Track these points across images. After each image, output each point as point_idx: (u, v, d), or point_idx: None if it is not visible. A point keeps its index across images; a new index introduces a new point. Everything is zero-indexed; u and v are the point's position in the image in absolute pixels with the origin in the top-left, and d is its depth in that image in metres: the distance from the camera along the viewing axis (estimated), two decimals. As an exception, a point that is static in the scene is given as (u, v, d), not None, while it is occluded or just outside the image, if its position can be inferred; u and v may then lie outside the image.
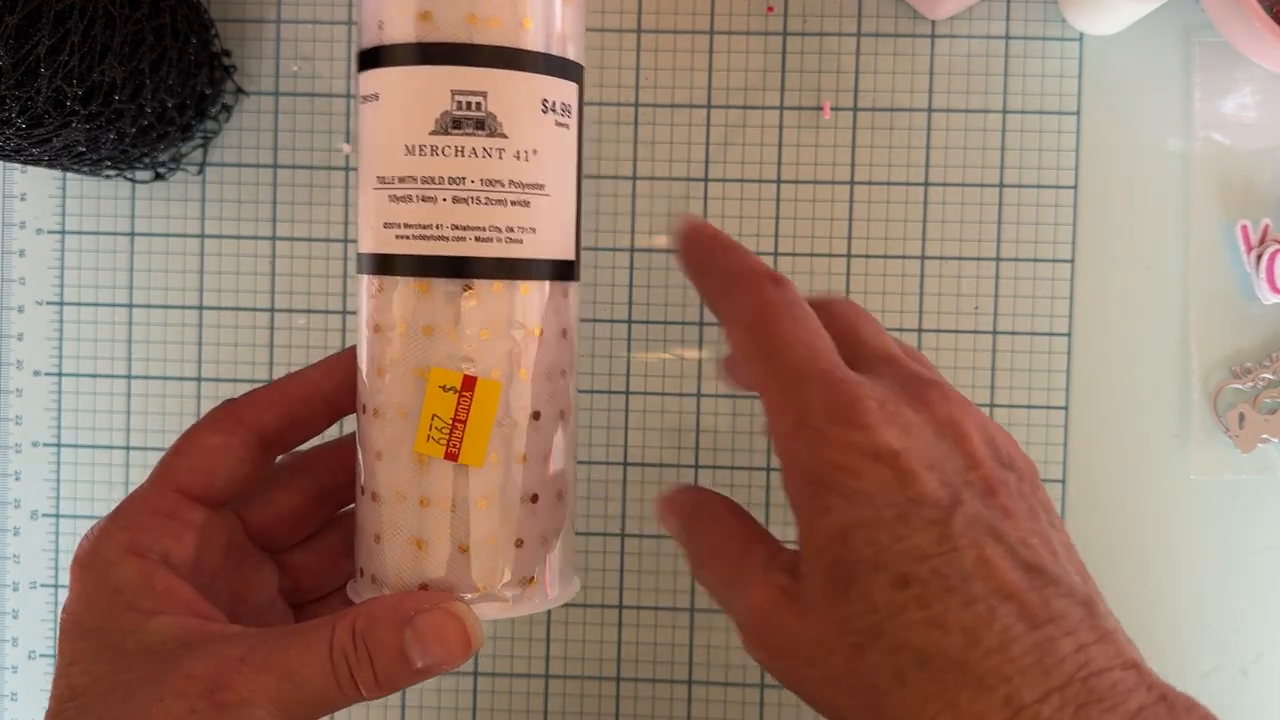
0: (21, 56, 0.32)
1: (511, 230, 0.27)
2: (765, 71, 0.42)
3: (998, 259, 0.42)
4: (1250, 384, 0.42)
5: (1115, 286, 0.42)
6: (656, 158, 0.42)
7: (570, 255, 0.29)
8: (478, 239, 0.27)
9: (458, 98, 0.26)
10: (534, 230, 0.27)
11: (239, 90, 0.43)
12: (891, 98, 0.42)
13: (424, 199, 0.27)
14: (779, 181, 0.42)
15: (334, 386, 0.31)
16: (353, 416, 0.30)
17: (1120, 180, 0.42)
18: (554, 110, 0.28)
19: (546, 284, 0.28)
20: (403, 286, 0.27)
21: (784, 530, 0.26)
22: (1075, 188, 0.42)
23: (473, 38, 0.26)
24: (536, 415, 0.28)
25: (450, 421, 0.27)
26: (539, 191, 0.27)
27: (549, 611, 0.43)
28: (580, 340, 0.43)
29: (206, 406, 0.43)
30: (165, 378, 0.43)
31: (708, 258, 0.30)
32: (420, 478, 0.27)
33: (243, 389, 0.32)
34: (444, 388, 0.27)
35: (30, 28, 0.32)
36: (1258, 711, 0.42)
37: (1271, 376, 0.42)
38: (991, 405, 0.42)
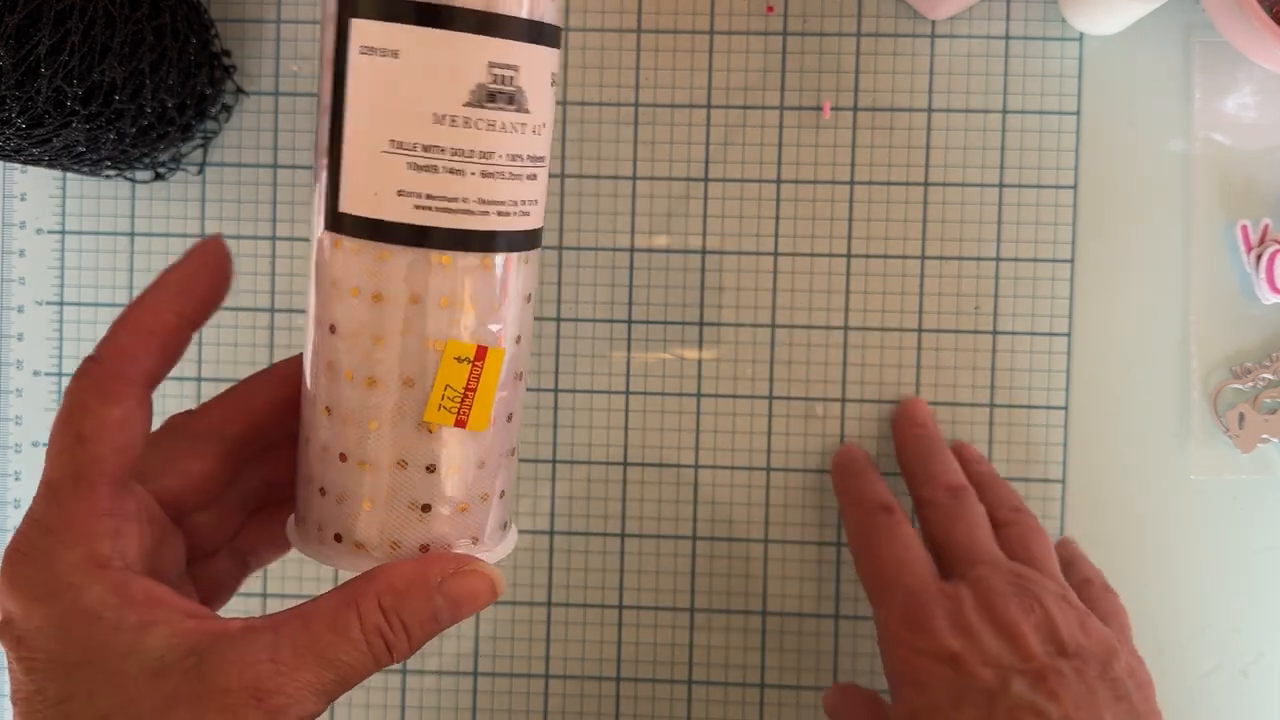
0: (22, 56, 0.32)
1: (524, 204, 0.27)
2: (765, 71, 0.42)
3: (997, 259, 0.42)
4: (1250, 384, 0.42)
5: (1115, 286, 0.42)
6: (656, 158, 0.42)
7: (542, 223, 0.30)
8: (499, 214, 0.27)
9: (494, 70, 0.25)
10: (537, 202, 0.28)
11: (239, 90, 0.43)
12: (891, 98, 0.42)
13: (452, 171, 0.26)
14: (779, 181, 0.42)
15: (193, 305, 0.29)
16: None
17: (1120, 180, 0.42)
18: (555, 84, 0.28)
19: (534, 252, 0.29)
20: (417, 256, 0.26)
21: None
22: (1075, 188, 0.42)
23: (502, 8, 0.26)
24: (519, 376, 0.29)
25: (462, 391, 0.27)
26: (542, 165, 0.28)
27: (549, 611, 0.43)
28: (581, 340, 0.43)
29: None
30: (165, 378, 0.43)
31: (844, 483, 0.40)
32: (428, 445, 0.28)
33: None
34: (459, 359, 0.27)
35: (30, 28, 0.32)
36: (1258, 711, 0.42)
37: (1271, 376, 0.41)
38: (991, 405, 0.42)
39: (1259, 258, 0.41)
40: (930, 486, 0.38)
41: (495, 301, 0.27)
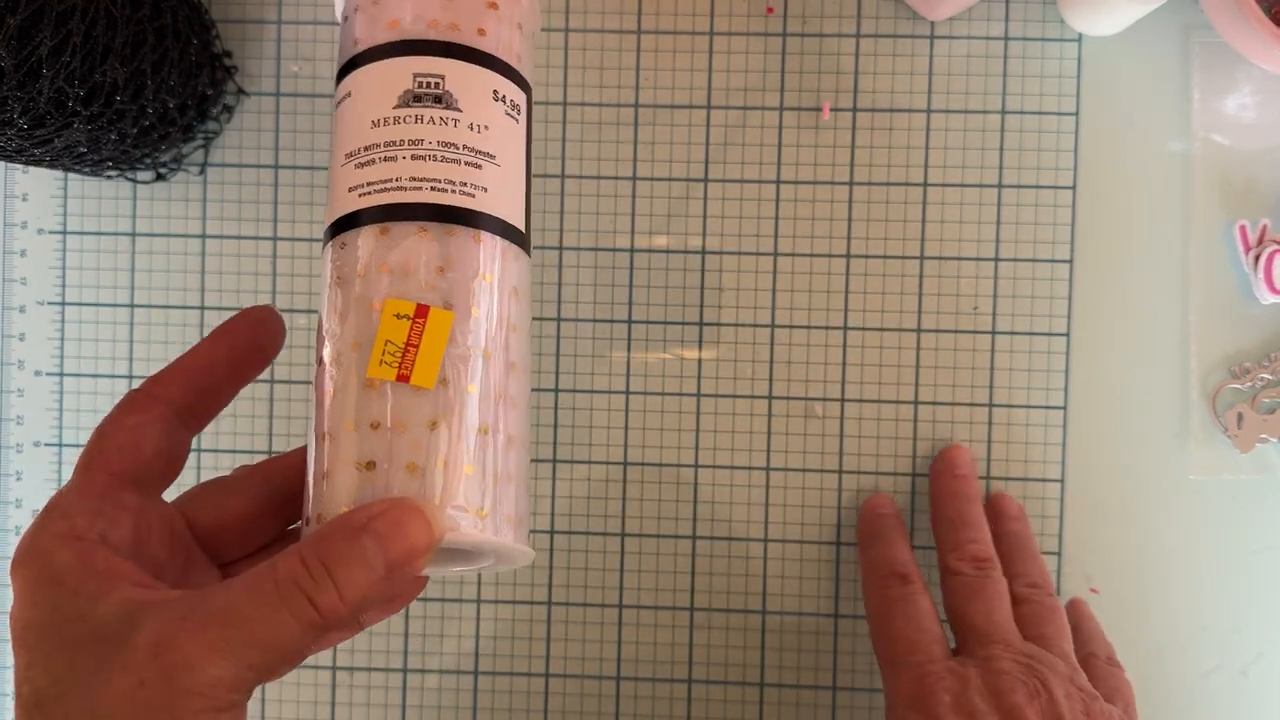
0: (24, 57, 0.32)
1: (465, 185, 0.30)
2: (765, 72, 0.42)
3: (997, 259, 0.42)
4: (1249, 384, 0.42)
5: (1114, 287, 0.42)
6: (656, 158, 0.42)
7: (520, 224, 0.31)
8: (433, 188, 0.29)
9: (419, 78, 0.30)
10: (485, 189, 0.30)
11: (240, 91, 0.43)
12: (891, 98, 0.42)
13: (386, 159, 0.29)
14: (779, 182, 0.42)
15: (226, 351, 0.31)
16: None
17: (1119, 180, 0.42)
18: (504, 102, 0.31)
19: (497, 239, 0.30)
20: (364, 234, 0.29)
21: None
22: (1074, 188, 0.42)
23: (433, 36, 0.30)
24: (487, 354, 0.29)
25: (403, 346, 0.28)
26: (490, 159, 0.30)
27: (549, 611, 0.43)
28: (581, 340, 0.43)
29: (207, 406, 0.43)
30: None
31: (865, 541, 0.41)
32: (371, 402, 0.28)
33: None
34: (398, 315, 0.28)
35: (32, 29, 0.32)
36: (1258, 711, 0.42)
37: (1270, 376, 0.42)
38: (990, 405, 0.42)
39: (1258, 258, 0.41)
40: (956, 555, 0.39)
41: (440, 266, 0.29)
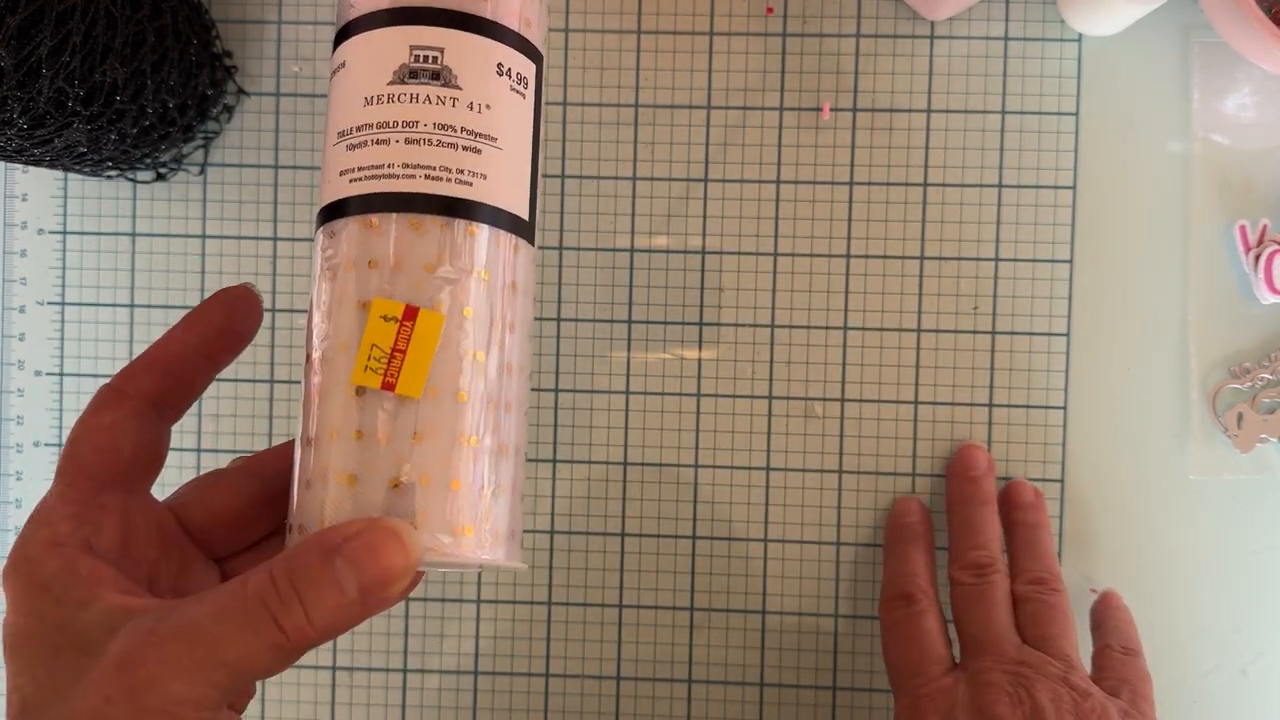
0: (24, 57, 0.32)
1: (462, 172, 0.28)
2: (765, 72, 0.42)
3: (997, 259, 0.42)
4: (1249, 384, 0.42)
5: (1114, 287, 0.42)
6: (656, 158, 0.42)
7: (523, 213, 0.29)
8: (427, 176, 0.27)
9: (415, 51, 0.28)
10: (484, 177, 0.28)
11: (240, 91, 0.43)
12: (891, 98, 0.42)
13: (378, 142, 0.27)
14: (779, 182, 0.42)
15: (198, 338, 0.30)
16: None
17: (1119, 181, 0.42)
18: (509, 76, 0.29)
19: (496, 231, 0.28)
20: (352, 225, 0.28)
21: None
22: (1074, 188, 0.42)
23: (433, 3, 0.28)
24: (480, 358, 0.28)
25: (389, 351, 0.26)
26: (491, 143, 0.28)
27: (549, 611, 0.43)
28: (581, 340, 0.43)
29: (207, 406, 0.43)
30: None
31: (885, 552, 0.42)
32: (356, 410, 0.27)
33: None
34: (385, 317, 0.27)
35: (32, 29, 0.32)
36: (1258, 711, 0.42)
37: (1270, 376, 0.42)
38: (990, 405, 0.42)
39: (1257, 258, 0.41)
40: (959, 564, 0.39)
41: (431, 263, 0.27)
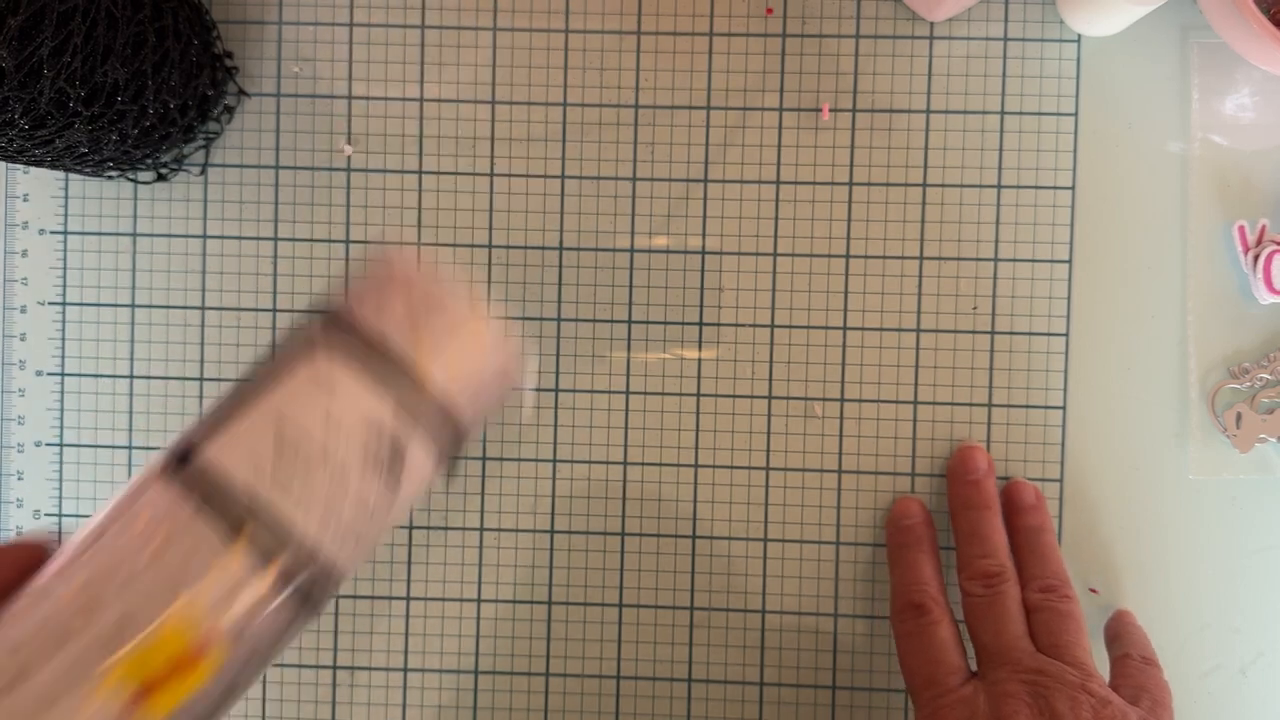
0: (25, 58, 0.33)
1: None
2: (765, 73, 0.42)
3: (996, 259, 0.42)
4: (1248, 384, 0.42)
5: (1113, 287, 0.42)
6: (656, 158, 0.43)
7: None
8: None
9: None
10: None
11: (241, 91, 0.43)
12: (890, 99, 0.42)
13: None
14: (778, 182, 0.42)
15: None
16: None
17: (1118, 181, 0.42)
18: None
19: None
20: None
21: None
22: (1073, 188, 0.42)
23: None
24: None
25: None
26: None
27: (549, 611, 0.43)
28: (581, 340, 0.43)
29: (207, 407, 0.43)
30: (167, 378, 0.44)
31: (891, 556, 0.42)
32: None
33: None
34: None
35: (33, 29, 0.32)
36: (1258, 711, 0.42)
37: (1269, 376, 0.42)
38: (990, 405, 0.42)
39: (1256, 258, 0.41)
40: (968, 574, 0.39)
41: None
